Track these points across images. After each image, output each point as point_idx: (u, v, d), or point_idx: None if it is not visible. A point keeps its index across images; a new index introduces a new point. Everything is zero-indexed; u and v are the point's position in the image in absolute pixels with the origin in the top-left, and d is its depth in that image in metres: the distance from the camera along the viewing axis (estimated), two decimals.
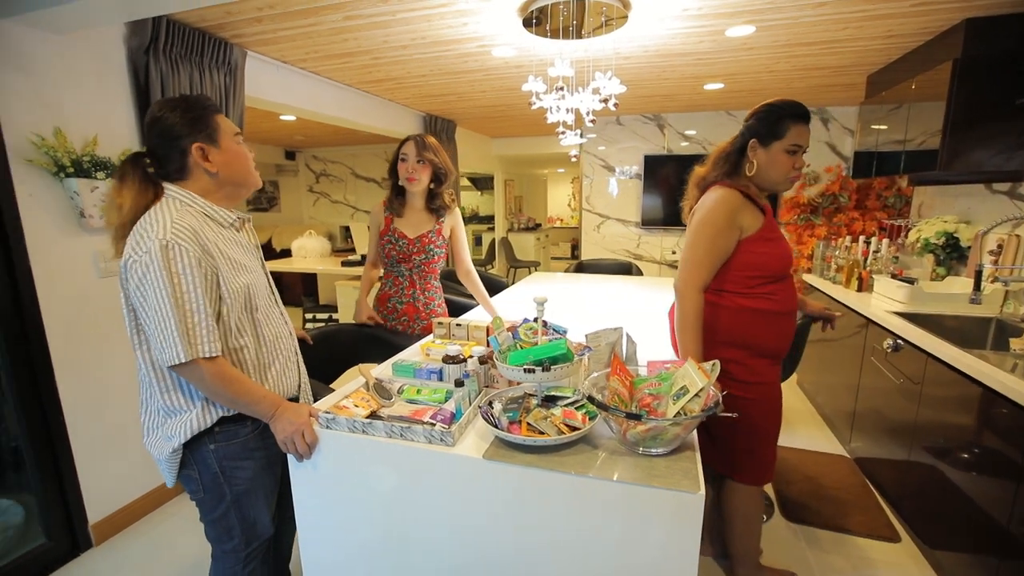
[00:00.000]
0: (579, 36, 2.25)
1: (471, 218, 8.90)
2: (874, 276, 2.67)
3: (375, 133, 4.06)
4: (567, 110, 2.19)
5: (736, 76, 3.19)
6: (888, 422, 2.20)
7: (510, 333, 1.21)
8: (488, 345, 1.42)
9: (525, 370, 1.06)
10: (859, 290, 2.74)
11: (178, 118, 1.12)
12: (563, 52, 2.59)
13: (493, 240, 7.26)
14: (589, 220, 5.17)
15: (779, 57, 2.77)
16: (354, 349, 2.00)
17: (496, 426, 1.09)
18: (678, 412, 1.05)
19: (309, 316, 5.06)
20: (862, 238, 3.07)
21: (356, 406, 1.24)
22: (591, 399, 1.04)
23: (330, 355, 1.91)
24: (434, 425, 1.13)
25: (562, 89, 2.06)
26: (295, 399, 1.34)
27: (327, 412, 1.19)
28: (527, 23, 2.17)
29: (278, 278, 5.93)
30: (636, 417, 0.97)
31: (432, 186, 2.02)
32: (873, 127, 3.01)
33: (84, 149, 1.88)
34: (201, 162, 1.14)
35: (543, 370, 1.05)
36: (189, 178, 1.15)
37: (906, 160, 2.60)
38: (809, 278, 3.32)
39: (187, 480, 1.22)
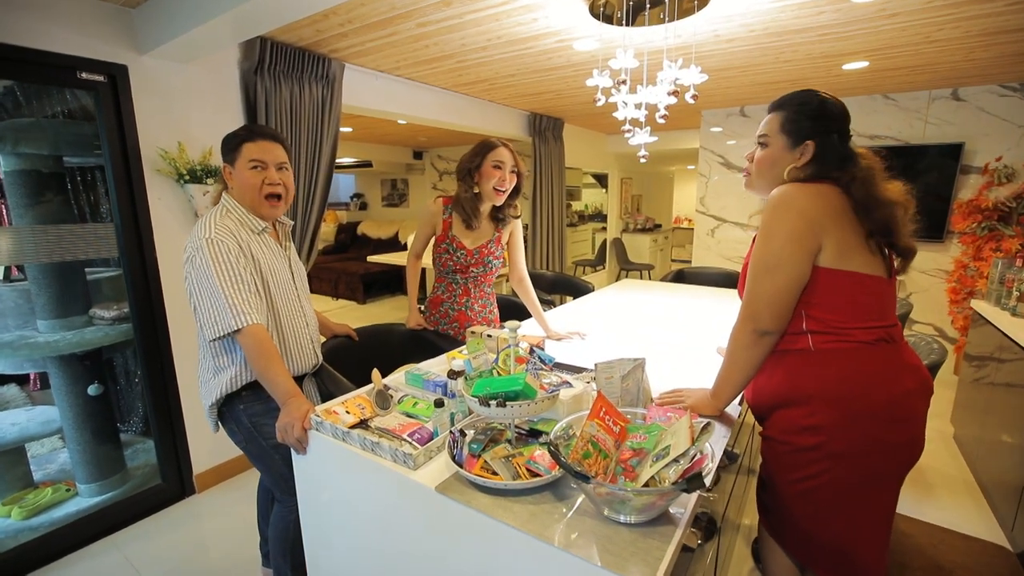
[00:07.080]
0: (659, 22, 2.00)
1: (593, 216, 8.63)
2: None
3: (484, 134, 4.14)
4: (635, 106, 1.97)
5: (884, 51, 2.58)
6: None
7: (491, 356, 1.12)
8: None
9: (480, 403, 0.96)
10: None
11: (225, 142, 1.41)
12: (651, 40, 2.35)
13: (604, 241, 7.00)
14: (703, 223, 4.68)
15: (940, 23, 2.16)
16: (402, 350, 2.05)
17: (455, 458, 1.02)
18: (652, 478, 0.86)
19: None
20: None
21: (348, 412, 1.26)
22: (550, 444, 0.91)
23: (379, 354, 1.99)
24: (402, 444, 1.10)
25: (624, 83, 1.85)
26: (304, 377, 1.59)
27: (317, 416, 1.22)
28: (595, 12, 2.00)
29: (394, 271, 6.43)
30: (583, 478, 0.81)
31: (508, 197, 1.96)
32: None
33: (202, 159, 2.21)
34: (226, 179, 1.42)
35: (498, 405, 0.94)
36: (229, 190, 1.45)
37: None
38: (979, 306, 2.56)
39: (231, 433, 1.47)
